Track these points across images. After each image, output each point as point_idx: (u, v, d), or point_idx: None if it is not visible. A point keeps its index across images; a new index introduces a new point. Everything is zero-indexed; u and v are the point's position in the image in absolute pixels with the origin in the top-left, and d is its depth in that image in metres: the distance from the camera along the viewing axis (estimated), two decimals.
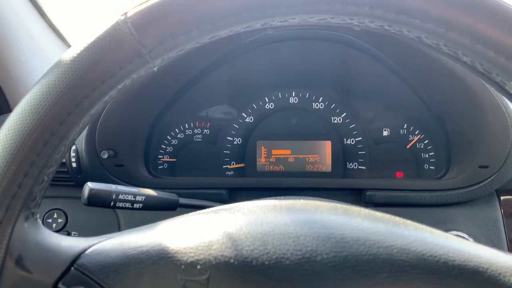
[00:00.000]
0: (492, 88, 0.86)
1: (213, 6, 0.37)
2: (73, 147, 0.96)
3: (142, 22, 0.37)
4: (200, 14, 0.37)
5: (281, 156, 1.09)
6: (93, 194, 0.65)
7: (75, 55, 0.38)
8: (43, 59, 1.13)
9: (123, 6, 0.38)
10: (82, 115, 0.38)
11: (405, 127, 1.06)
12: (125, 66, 0.38)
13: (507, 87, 0.38)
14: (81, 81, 0.37)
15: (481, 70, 0.38)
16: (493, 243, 0.90)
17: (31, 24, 1.11)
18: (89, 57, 0.37)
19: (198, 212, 0.45)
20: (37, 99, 0.37)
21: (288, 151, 1.09)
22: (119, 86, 0.39)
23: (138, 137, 1.03)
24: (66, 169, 0.97)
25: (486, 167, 0.91)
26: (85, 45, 0.38)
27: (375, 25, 0.38)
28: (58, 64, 0.38)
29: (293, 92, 1.09)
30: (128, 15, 0.37)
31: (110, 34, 0.37)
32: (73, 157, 0.96)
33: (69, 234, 0.98)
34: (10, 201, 0.36)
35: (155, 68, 0.41)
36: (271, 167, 1.09)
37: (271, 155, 1.09)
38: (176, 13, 0.37)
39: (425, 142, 1.06)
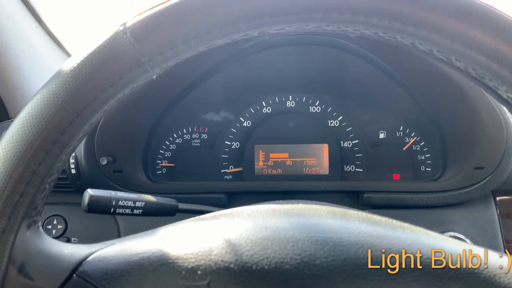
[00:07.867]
0: None
1: (211, 16, 0.38)
2: (72, 154, 0.96)
3: (141, 32, 0.38)
4: (199, 24, 0.38)
5: (279, 160, 1.09)
6: (93, 201, 0.65)
7: (75, 65, 0.38)
8: (42, 67, 1.13)
9: (122, 16, 0.39)
10: (83, 124, 0.39)
11: (401, 129, 1.07)
12: (125, 75, 0.38)
13: (499, 92, 0.38)
14: (82, 90, 0.38)
15: (474, 75, 0.38)
16: (489, 244, 0.91)
17: (29, 32, 1.12)
18: (89, 66, 0.38)
19: (197, 217, 0.45)
20: (38, 108, 0.37)
21: (286, 155, 1.09)
22: (119, 95, 0.39)
23: (136, 143, 1.03)
24: (65, 176, 0.97)
25: (482, 168, 0.91)
26: (85, 55, 0.38)
27: (369, 32, 0.39)
28: (59, 73, 0.39)
29: (290, 96, 1.10)
30: (127, 25, 0.38)
31: (109, 44, 0.38)
32: (72, 163, 0.96)
33: (68, 240, 0.98)
34: (12, 210, 0.36)
35: (154, 77, 0.41)
36: (269, 171, 1.09)
37: (269, 159, 1.09)
38: (174, 22, 0.38)
39: (421, 144, 1.06)
